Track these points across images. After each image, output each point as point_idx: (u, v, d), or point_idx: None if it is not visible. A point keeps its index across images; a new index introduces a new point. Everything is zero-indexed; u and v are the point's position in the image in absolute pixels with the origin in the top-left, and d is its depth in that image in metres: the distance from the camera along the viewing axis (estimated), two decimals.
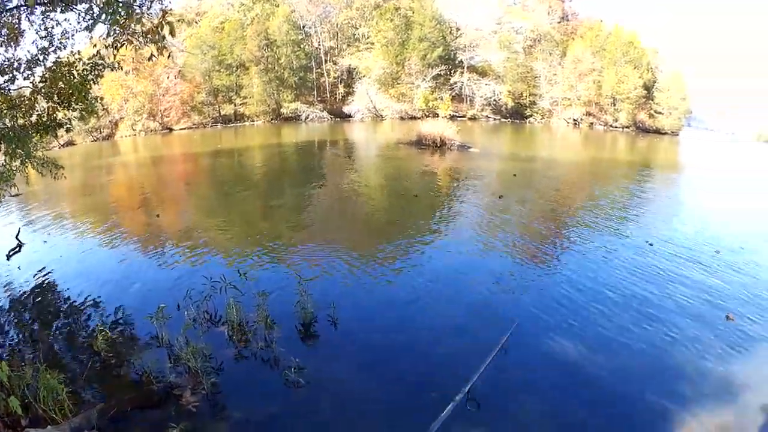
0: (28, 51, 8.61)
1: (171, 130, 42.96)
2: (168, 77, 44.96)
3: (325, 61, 59.10)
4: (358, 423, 5.74)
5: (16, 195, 15.78)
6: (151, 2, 7.22)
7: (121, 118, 41.42)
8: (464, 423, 5.76)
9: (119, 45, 7.44)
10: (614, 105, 68.25)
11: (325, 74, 58.77)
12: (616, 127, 68.42)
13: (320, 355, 7.12)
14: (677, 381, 6.94)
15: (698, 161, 43.17)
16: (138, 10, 6.60)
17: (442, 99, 57.30)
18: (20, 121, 8.66)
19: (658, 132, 69.58)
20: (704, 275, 11.09)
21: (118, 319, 8.17)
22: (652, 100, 70.73)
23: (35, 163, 9.76)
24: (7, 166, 8.72)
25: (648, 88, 69.64)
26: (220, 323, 7.90)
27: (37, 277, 10.37)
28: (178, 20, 55.20)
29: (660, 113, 70.66)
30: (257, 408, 5.99)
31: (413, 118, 53.91)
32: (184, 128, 43.89)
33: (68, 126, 9.56)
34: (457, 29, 64.81)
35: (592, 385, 6.78)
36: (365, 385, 6.46)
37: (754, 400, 6.69)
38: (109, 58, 8.25)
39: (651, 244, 13.19)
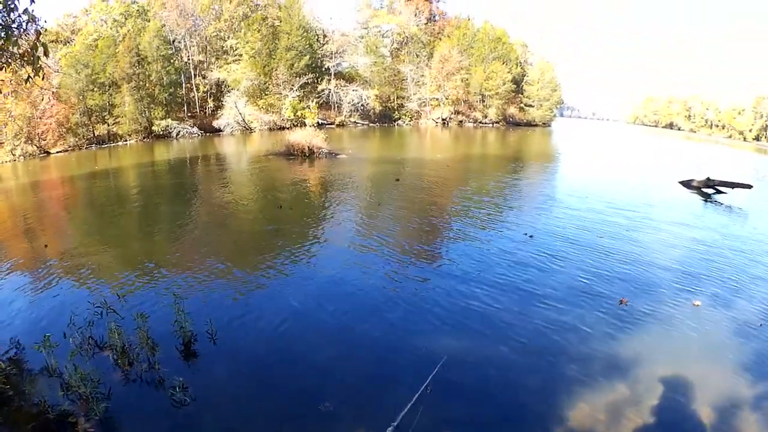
0: None
1: (48, 153, 39.91)
2: (44, 99, 42.67)
3: (195, 76, 57.35)
4: None
5: None
6: (27, 23, 7.38)
7: (0, 143, 38.75)
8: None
9: None
10: (483, 102, 71.83)
11: (195, 89, 57.15)
12: (485, 123, 72.25)
13: (202, 371, 7.29)
14: (569, 365, 7.44)
15: (571, 149, 47.35)
16: (16, 32, 6.52)
17: (309, 108, 58.09)
18: None
19: (529, 124, 73.99)
20: (592, 262, 12.03)
21: (9, 351, 7.83)
22: (522, 93, 75.06)
23: None
24: None
25: (517, 82, 74.10)
26: (105, 348, 7.73)
27: None
28: (52, 41, 50.88)
29: (530, 106, 75.37)
30: (148, 429, 6.11)
31: (282, 128, 54.25)
32: (61, 151, 40.85)
33: None
34: (324, 36, 65.92)
35: (478, 376, 7.18)
36: (246, 396, 6.73)
37: (650, 372, 7.35)
38: None
39: (531, 236, 13.96)
